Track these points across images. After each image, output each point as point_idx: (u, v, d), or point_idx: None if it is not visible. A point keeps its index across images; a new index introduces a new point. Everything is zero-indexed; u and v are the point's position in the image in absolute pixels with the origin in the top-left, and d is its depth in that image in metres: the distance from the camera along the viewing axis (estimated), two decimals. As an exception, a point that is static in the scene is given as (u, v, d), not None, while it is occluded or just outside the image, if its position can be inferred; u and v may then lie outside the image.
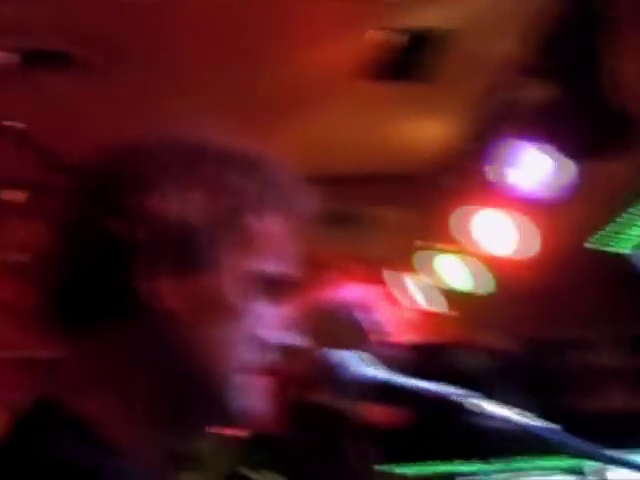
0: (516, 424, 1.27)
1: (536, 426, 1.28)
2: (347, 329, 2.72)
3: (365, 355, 1.29)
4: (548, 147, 3.71)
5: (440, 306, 5.02)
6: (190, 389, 1.15)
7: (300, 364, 1.24)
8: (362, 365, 1.26)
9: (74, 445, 1.08)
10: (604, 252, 4.53)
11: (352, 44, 3.97)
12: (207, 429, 1.25)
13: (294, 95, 4.33)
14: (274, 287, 1.19)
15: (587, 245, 4.49)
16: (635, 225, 4.35)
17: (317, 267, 5.04)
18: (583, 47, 3.42)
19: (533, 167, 4.06)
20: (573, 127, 3.54)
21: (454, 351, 3.72)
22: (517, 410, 1.31)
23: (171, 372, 1.15)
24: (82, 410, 1.13)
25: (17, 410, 1.16)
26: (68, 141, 2.59)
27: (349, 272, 5.23)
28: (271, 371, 1.20)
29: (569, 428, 1.37)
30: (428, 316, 5.18)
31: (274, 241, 1.19)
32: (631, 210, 4.21)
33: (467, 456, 4.62)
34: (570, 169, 4.12)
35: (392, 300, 5.34)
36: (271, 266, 1.18)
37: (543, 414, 1.38)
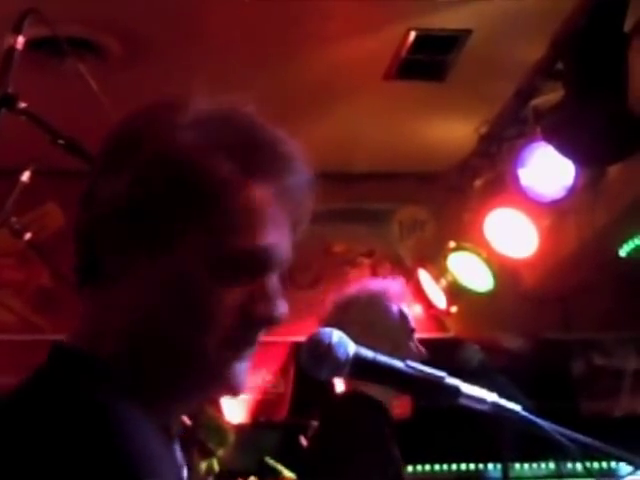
0: (492, 404, 1.31)
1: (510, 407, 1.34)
2: (389, 318, 2.66)
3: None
4: (566, 150, 3.70)
5: (448, 302, 5.02)
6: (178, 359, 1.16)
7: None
8: (351, 343, 1.30)
9: (93, 384, 1.10)
10: (616, 256, 4.52)
11: (379, 44, 3.98)
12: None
13: (319, 92, 4.34)
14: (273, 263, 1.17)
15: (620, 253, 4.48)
16: None
17: (337, 261, 5.03)
18: (604, 51, 3.41)
19: (551, 169, 4.05)
20: (592, 131, 3.52)
21: (458, 347, 3.71)
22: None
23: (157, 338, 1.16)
24: (97, 352, 1.15)
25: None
26: (84, 127, 2.59)
27: (370, 268, 5.25)
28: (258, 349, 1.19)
29: (575, 431, 1.38)
30: (438, 312, 5.18)
31: (265, 212, 1.16)
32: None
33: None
34: (586, 172, 4.11)
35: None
36: (259, 240, 1.15)
37: (547, 416, 1.38)
